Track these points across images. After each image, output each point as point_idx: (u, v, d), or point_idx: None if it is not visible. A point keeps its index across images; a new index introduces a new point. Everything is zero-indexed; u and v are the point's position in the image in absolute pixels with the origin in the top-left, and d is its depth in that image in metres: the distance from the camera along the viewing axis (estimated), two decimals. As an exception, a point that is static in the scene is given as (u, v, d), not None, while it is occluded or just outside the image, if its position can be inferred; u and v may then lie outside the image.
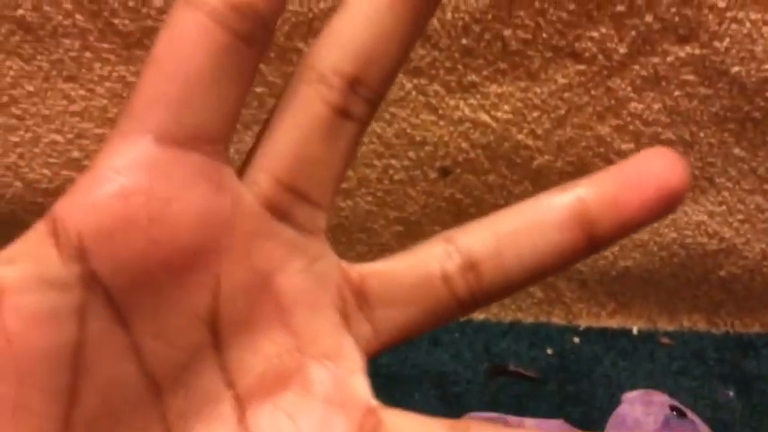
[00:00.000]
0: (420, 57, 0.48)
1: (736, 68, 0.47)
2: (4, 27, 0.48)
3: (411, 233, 0.59)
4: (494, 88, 0.49)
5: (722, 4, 0.44)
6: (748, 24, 0.45)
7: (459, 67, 0.48)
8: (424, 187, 0.55)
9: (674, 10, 0.45)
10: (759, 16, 0.45)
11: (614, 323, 0.66)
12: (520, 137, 0.52)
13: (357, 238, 0.59)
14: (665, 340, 0.64)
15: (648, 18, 0.45)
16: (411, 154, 0.53)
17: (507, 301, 0.64)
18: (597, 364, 0.62)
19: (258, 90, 0.50)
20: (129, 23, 0.47)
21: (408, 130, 0.52)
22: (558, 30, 0.46)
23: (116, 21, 0.47)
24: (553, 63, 0.48)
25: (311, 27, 0.47)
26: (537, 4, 0.45)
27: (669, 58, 0.47)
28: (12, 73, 0.50)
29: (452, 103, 0.50)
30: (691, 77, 0.48)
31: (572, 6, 0.45)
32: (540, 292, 0.64)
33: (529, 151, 0.53)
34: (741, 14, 0.45)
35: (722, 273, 0.60)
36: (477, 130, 0.52)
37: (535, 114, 0.51)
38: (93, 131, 0.53)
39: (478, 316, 0.66)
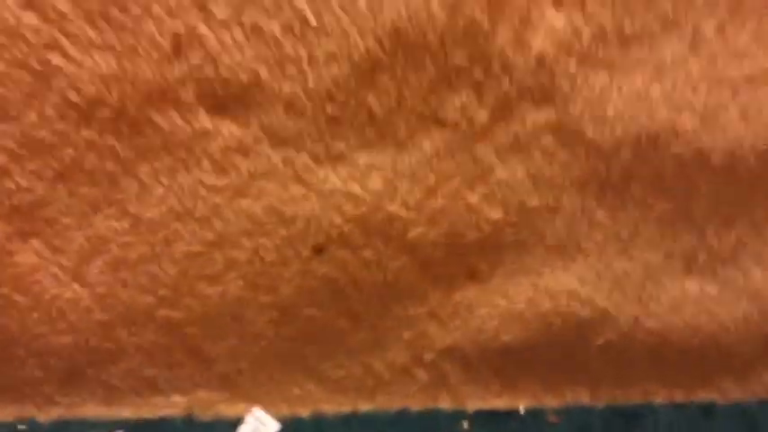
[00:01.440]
0: (285, 126, 0.46)
1: (590, 131, 0.49)
2: None
3: (287, 319, 0.54)
4: (363, 157, 0.48)
5: (573, 68, 0.46)
6: (598, 87, 0.48)
7: (326, 136, 0.47)
8: (297, 267, 0.52)
9: (529, 74, 0.47)
10: (607, 79, 0.47)
11: (501, 403, 0.63)
12: (392, 208, 0.50)
13: (227, 328, 0.54)
14: (552, 418, 0.63)
15: (505, 83, 0.47)
16: (282, 231, 0.50)
17: (394, 389, 0.60)
18: (489, 446, 0.59)
19: (109, 168, 0.46)
20: (-44, 96, 0.42)
21: (278, 206, 0.49)
22: (421, 96, 0.46)
23: (-60, 93, 0.42)
24: (419, 130, 0.47)
25: (165, 96, 0.44)
26: (399, 71, 0.45)
27: (528, 123, 0.49)
28: None
29: (322, 174, 0.48)
30: (550, 142, 0.50)
31: (432, 72, 0.45)
32: (425, 375, 0.61)
33: (402, 223, 0.51)
34: (591, 77, 0.47)
35: (599, 341, 0.60)
36: (349, 202, 0.50)
37: (406, 184, 0.50)
38: None
39: (364, 406, 0.61)
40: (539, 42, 0.45)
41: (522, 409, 0.63)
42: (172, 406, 0.59)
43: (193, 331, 0.54)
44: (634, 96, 0.48)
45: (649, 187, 0.51)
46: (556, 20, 0.45)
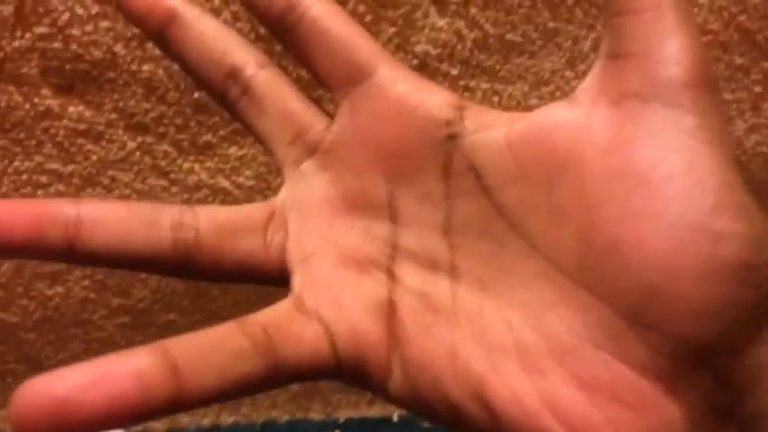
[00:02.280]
0: (144, 111, 0.42)
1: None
2: None
3: (140, 325, 0.50)
4: (233, 150, 0.45)
5: (455, 72, 0.46)
6: (479, 93, 0.47)
7: (192, 124, 0.43)
8: (154, 267, 0.48)
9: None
10: (489, 86, 0.47)
11: (374, 412, 0.62)
12: (263, 206, 0.48)
13: (70, 334, 0.49)
14: (425, 424, 0.62)
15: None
16: (138, 227, 0.46)
17: (260, 398, 0.57)
18: (359, 457, 0.58)
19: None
20: None
21: (133, 198, 0.45)
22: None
23: None
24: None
25: (3, 69, 0.39)
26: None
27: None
28: None
29: (186, 165, 0.44)
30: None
31: (312, 65, 0.43)
32: (296, 385, 0.58)
33: (274, 223, 0.48)
34: (473, 83, 0.47)
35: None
36: (217, 198, 0.46)
37: (279, 180, 0.47)
38: None
39: (227, 419, 0.58)
40: (421, 44, 0.44)
41: (395, 417, 0.62)
42: (1, 420, 0.53)
43: (29, 336, 0.48)
44: (514, 105, 0.48)
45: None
46: (439, 22, 0.44)
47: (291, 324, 0.19)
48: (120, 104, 0.41)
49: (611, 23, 0.19)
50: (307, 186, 0.21)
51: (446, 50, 0.45)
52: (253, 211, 0.21)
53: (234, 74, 0.21)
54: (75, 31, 0.39)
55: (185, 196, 0.46)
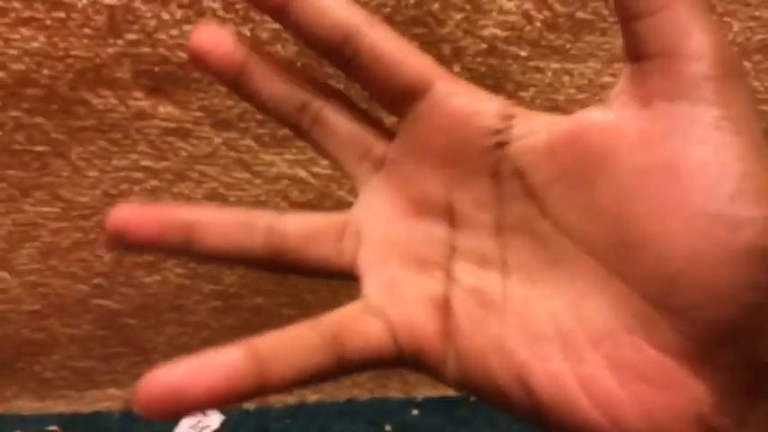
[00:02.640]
0: (227, 107, 0.45)
1: (542, 118, 0.49)
2: None
3: (230, 309, 0.53)
4: (310, 141, 0.47)
5: (524, 54, 0.46)
6: (550, 74, 0.47)
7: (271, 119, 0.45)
8: (241, 255, 0.50)
9: (480, 60, 0.46)
10: (559, 66, 0.47)
11: (452, 391, 0.63)
12: (341, 193, 0.50)
13: (167, 318, 0.52)
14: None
15: (456, 68, 0.46)
16: (224, 217, 0.49)
17: (342, 379, 0.60)
18: (438, 434, 0.59)
19: (38, 149, 0.44)
20: None
21: (221, 190, 0.47)
22: (371, 79, 0.45)
23: None
24: (369, 114, 0.47)
25: (99, 75, 0.42)
26: (348, 52, 0.44)
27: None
28: None
29: (267, 158, 0.47)
30: (502, 128, 0.49)
31: (383, 55, 0.44)
32: (375, 365, 0.60)
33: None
34: (542, 64, 0.47)
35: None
36: (296, 187, 0.49)
37: (355, 169, 0.49)
38: None
39: (311, 396, 0.61)
40: (489, 27, 0.45)
41: (473, 396, 0.63)
42: (109, 399, 0.57)
43: (131, 322, 0.52)
44: (585, 83, 0.48)
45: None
46: (507, 4, 0.44)
47: (358, 322, 0.22)
48: (206, 103, 0.44)
49: (629, 28, 0.19)
50: (376, 197, 0.24)
51: (515, 32, 0.45)
52: (331, 220, 0.24)
53: (304, 107, 0.23)
54: (162, 36, 0.41)
55: (267, 187, 0.48)
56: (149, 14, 0.40)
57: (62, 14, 0.40)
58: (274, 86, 0.23)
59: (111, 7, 0.40)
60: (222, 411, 0.58)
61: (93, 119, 0.43)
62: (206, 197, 0.48)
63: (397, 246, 0.23)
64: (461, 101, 0.22)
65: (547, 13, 0.45)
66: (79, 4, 0.40)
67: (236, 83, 0.23)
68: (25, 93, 0.42)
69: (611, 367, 0.20)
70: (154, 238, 0.22)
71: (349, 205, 0.53)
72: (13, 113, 0.43)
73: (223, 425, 0.57)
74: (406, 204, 0.23)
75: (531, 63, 0.47)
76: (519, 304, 0.21)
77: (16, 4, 0.39)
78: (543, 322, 0.21)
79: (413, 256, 0.23)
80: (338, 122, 0.23)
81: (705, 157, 0.18)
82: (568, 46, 0.46)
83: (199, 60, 0.23)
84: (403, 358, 0.22)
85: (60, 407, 0.57)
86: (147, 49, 0.42)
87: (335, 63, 0.23)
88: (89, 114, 0.43)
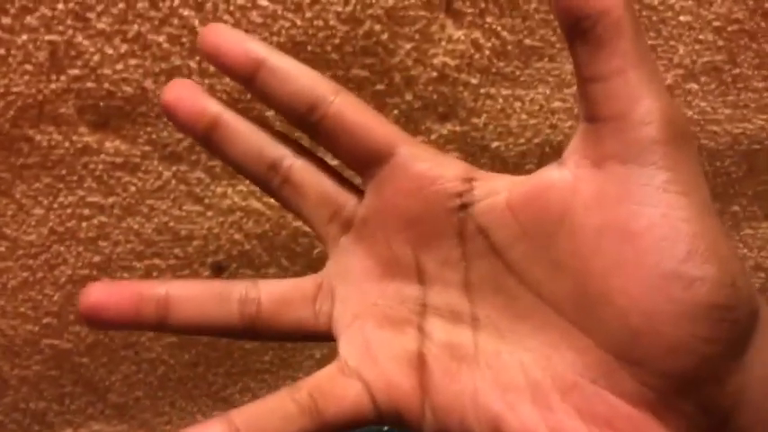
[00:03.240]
0: (176, 140, 0.44)
1: (495, 143, 0.50)
2: None
3: (186, 344, 0.52)
4: (262, 173, 0.47)
5: (475, 81, 0.47)
6: (501, 100, 0.48)
7: (222, 150, 0.45)
8: (196, 288, 0.50)
9: (431, 88, 0.46)
10: (510, 92, 0.48)
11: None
12: (297, 224, 0.49)
13: (121, 356, 0.51)
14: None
15: (408, 96, 0.46)
16: (177, 251, 0.48)
17: None
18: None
19: (-19, 188, 0.43)
20: None
21: (171, 224, 0.47)
22: (322, 109, 0.45)
23: None
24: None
25: (42, 111, 0.41)
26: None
27: (433, 136, 0.48)
28: None
29: (219, 190, 0.47)
30: (456, 154, 0.50)
31: (333, 85, 0.44)
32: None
33: (308, 239, 0.50)
34: (493, 90, 0.47)
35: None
36: (251, 219, 0.48)
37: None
38: None
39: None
40: (439, 56, 0.45)
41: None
42: (69, 442, 0.56)
43: (83, 360, 0.51)
44: (537, 109, 0.49)
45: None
46: (456, 33, 0.45)
47: (335, 386, 0.23)
48: (154, 136, 0.44)
49: (584, 90, 0.20)
50: (347, 258, 0.24)
51: (464, 60, 0.46)
52: (304, 284, 0.25)
53: (274, 166, 0.24)
54: (107, 71, 0.41)
55: (220, 219, 0.48)
56: (92, 49, 0.40)
57: (2, 51, 0.39)
58: (244, 144, 0.24)
59: (52, 43, 0.39)
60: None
61: (36, 156, 0.43)
62: (156, 231, 0.47)
63: (369, 306, 0.24)
64: (424, 165, 0.23)
65: (495, 41, 0.45)
66: (19, 40, 0.39)
67: (206, 139, 0.24)
68: (-34, 130, 0.41)
69: (580, 416, 0.20)
70: (130, 317, 0.23)
71: (305, 235, 0.53)
72: (-44, 151, 0.42)
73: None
74: (376, 265, 0.24)
75: (482, 90, 0.47)
76: (490, 357, 0.22)
77: (-45, 41, 0.39)
78: (514, 373, 0.22)
79: (386, 315, 0.24)
80: (308, 182, 0.24)
81: (655, 219, 0.19)
82: (518, 72, 0.47)
83: (170, 115, 0.24)
84: (382, 417, 0.23)
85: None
86: (91, 84, 0.41)
87: (302, 129, 0.23)
88: (32, 151, 0.43)
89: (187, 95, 0.23)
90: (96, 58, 0.40)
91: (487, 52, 0.46)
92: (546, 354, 0.21)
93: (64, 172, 0.44)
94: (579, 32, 0.20)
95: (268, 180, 0.24)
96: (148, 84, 0.42)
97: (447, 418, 0.22)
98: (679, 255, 0.19)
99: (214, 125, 0.23)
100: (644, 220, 0.19)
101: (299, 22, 0.42)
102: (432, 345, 0.23)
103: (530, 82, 0.48)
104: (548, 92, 0.48)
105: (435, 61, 0.45)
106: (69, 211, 0.45)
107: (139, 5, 0.39)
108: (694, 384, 0.19)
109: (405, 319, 0.24)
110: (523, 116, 0.49)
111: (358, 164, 0.24)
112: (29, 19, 0.39)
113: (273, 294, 0.24)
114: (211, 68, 0.42)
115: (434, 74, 0.46)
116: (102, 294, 0.23)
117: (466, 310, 0.23)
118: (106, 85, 0.41)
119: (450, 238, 0.23)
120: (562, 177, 0.21)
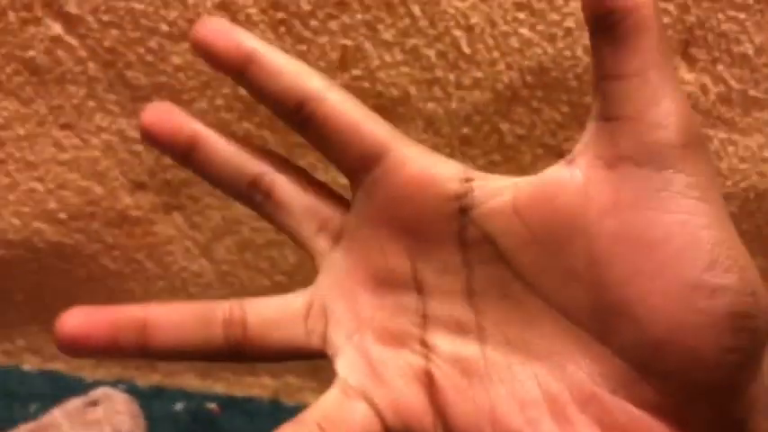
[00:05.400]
0: (422, 141, 0.53)
1: None
2: (11, 67, 0.50)
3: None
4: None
5: (695, 122, 0.52)
6: (716, 142, 0.53)
7: (458, 154, 0.53)
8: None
9: (652, 123, 0.52)
10: (726, 136, 0.53)
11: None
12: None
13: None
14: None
15: (630, 128, 0.52)
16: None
17: None
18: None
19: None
20: (141, 77, 0.50)
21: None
22: (550, 129, 0.52)
23: (129, 73, 0.50)
24: (543, 160, 0.53)
25: (324, 101, 0.51)
26: (534, 104, 0.51)
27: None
28: (5, 114, 0.51)
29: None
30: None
31: (565, 109, 0.51)
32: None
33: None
34: (711, 133, 0.52)
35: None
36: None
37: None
38: (77, 183, 0.53)
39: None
40: (668, 94, 0.51)
41: None
42: (261, 387, 0.65)
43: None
44: (748, 155, 0.53)
45: (749, 242, 0.56)
46: (687, 76, 0.50)
47: (341, 411, 0.22)
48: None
49: (599, 86, 0.20)
50: (338, 272, 0.23)
51: (690, 102, 0.51)
52: (294, 303, 0.24)
53: (255, 182, 0.24)
54: (382, 75, 0.50)
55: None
56: (375, 55, 0.49)
57: (303, 47, 0.49)
58: (223, 162, 0.23)
59: (344, 46, 0.49)
60: None
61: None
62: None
63: (366, 321, 0.23)
64: (418, 165, 0.22)
65: (722, 87, 0.51)
66: (320, 41, 0.49)
67: (186, 158, 0.23)
68: (258, 110, 0.51)
69: (600, 427, 0.20)
70: (107, 344, 0.22)
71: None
72: (245, 125, 0.52)
73: None
74: (370, 276, 0.23)
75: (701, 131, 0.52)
76: (502, 370, 0.21)
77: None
78: (529, 387, 0.21)
79: (385, 329, 0.23)
80: (291, 196, 0.23)
81: (674, 226, 0.19)
82: (737, 119, 0.52)
83: (149, 137, 0.23)
84: None
85: (219, 387, 0.65)
86: (366, 84, 0.50)
87: (292, 125, 0.23)
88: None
89: (165, 117, 0.23)
90: (376, 62, 0.50)
91: (713, 97, 0.51)
92: (559, 363, 0.21)
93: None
94: (605, 27, 0.19)
95: (250, 195, 0.24)
96: (412, 90, 0.50)
97: None
98: (701, 264, 0.18)
99: (192, 145, 0.23)
100: (662, 228, 0.19)
101: (549, 50, 0.49)
102: (438, 359, 0.22)
103: (747, 129, 0.52)
104: (762, 141, 0.53)
105: (662, 99, 0.51)
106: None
107: (421, 23, 0.48)
108: (715, 394, 0.19)
109: (406, 333, 0.22)
110: (734, 160, 0.54)
111: (348, 165, 0.23)
112: (331, 24, 0.48)
113: (260, 315, 0.23)
114: (463, 81, 0.50)
115: (659, 111, 0.52)
116: (78, 321, 0.22)
117: (470, 320, 0.22)
118: (378, 87, 0.50)
119: (449, 243, 0.22)
120: (573, 178, 0.20)
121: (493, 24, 0.47)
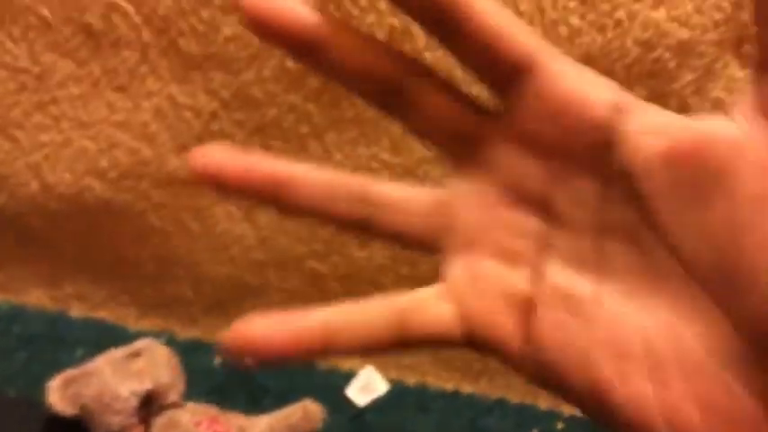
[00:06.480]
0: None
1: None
2: (68, 29, 0.52)
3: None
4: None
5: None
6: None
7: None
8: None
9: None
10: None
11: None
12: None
13: (365, 291, 0.63)
14: None
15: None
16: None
17: (497, 376, 0.68)
18: (580, 451, 0.66)
19: (302, 130, 0.55)
20: (193, 46, 0.52)
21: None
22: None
23: (181, 41, 0.52)
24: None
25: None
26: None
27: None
28: (61, 74, 0.54)
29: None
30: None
31: (611, 98, 0.52)
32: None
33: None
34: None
35: None
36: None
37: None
38: (127, 144, 0.56)
39: (467, 387, 0.69)
40: (717, 90, 0.51)
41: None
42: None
43: (335, 286, 0.63)
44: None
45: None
46: (738, 73, 0.50)
47: (429, 309, 0.22)
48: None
49: (762, 33, 0.18)
50: (469, 181, 0.23)
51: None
52: (424, 195, 0.23)
53: (392, 84, 0.22)
54: (427, 55, 0.51)
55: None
56: (420, 36, 0.50)
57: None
58: (358, 62, 0.21)
59: (392, 25, 0.50)
60: (388, 380, 0.67)
61: (352, 112, 0.54)
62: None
63: (486, 233, 0.22)
64: (571, 84, 0.21)
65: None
66: (368, 19, 0.50)
67: (313, 56, 0.21)
68: (305, 82, 0.53)
69: (698, 403, 0.19)
70: (241, 181, 0.22)
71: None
72: (291, 97, 0.54)
73: (388, 392, 0.67)
74: (500, 191, 0.22)
75: (749, 128, 0.52)
76: (610, 316, 0.20)
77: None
78: (633, 340, 0.20)
79: (501, 246, 0.22)
80: (428, 101, 0.22)
81: None
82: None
83: (263, 28, 0.20)
84: (470, 345, 0.22)
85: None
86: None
87: (435, 33, 0.21)
88: (350, 108, 0.54)
89: (281, 4, 0.20)
90: (423, 43, 0.50)
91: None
92: (673, 324, 0.20)
93: (368, 130, 0.55)
94: None
95: (385, 99, 0.22)
96: (458, 72, 0.51)
97: (547, 371, 0.21)
98: None
99: (319, 39, 0.21)
100: None
101: (599, 40, 0.49)
102: (546, 289, 0.21)
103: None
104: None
105: (712, 94, 0.51)
106: (362, 163, 0.56)
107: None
108: None
109: (522, 256, 0.22)
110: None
111: (495, 77, 0.21)
112: (379, 3, 0.49)
113: (391, 197, 0.23)
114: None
115: (708, 105, 0.51)
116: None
117: (591, 258, 0.21)
118: (423, 67, 0.51)
119: (589, 174, 0.21)
120: (729, 132, 0.19)
121: (542, 12, 0.48)
